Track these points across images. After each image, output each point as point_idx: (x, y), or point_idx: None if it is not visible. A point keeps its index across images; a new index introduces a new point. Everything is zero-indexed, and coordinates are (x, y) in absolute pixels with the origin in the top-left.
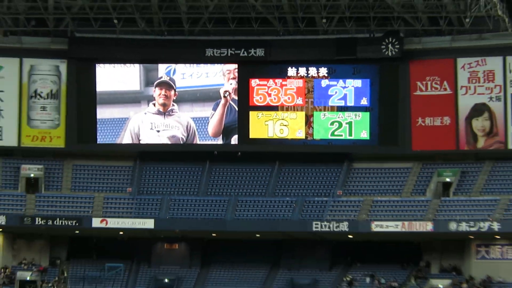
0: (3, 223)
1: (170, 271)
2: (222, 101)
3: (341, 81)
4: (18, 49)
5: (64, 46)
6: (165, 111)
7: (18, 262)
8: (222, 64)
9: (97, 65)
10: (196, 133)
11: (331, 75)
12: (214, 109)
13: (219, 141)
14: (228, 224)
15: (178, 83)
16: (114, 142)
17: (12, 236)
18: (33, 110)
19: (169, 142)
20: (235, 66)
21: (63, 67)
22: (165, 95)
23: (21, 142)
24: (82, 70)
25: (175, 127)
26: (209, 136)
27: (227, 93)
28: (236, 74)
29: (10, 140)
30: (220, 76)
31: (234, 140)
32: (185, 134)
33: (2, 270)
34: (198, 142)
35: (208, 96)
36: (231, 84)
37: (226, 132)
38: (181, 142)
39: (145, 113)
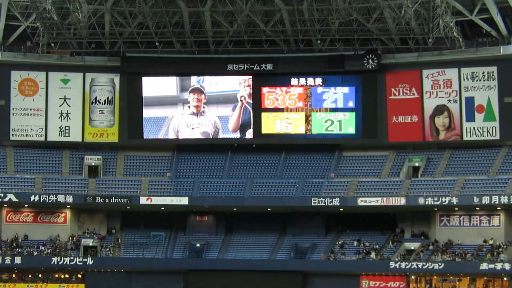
0: (71, 201)
1: (201, 237)
2: (239, 103)
3: (332, 88)
4: (82, 66)
5: (117, 63)
6: (198, 112)
7: (82, 232)
8: (239, 76)
9: (143, 77)
10: (221, 128)
11: (325, 83)
12: (233, 110)
13: (237, 134)
14: (246, 200)
15: (206, 89)
16: (156, 136)
17: (78, 211)
18: (93, 113)
19: (201, 137)
20: (250, 77)
21: (116, 79)
22: (197, 98)
23: (85, 138)
24: (132, 81)
25: (205, 125)
26: (230, 131)
27: (243, 97)
28: (250, 83)
29: (76, 136)
30: (237, 84)
31: (249, 134)
32: (213, 130)
33: (70, 238)
34: (221, 136)
35: (229, 99)
36: (245, 90)
37: (242, 128)
38: (211, 137)
39: (182, 114)
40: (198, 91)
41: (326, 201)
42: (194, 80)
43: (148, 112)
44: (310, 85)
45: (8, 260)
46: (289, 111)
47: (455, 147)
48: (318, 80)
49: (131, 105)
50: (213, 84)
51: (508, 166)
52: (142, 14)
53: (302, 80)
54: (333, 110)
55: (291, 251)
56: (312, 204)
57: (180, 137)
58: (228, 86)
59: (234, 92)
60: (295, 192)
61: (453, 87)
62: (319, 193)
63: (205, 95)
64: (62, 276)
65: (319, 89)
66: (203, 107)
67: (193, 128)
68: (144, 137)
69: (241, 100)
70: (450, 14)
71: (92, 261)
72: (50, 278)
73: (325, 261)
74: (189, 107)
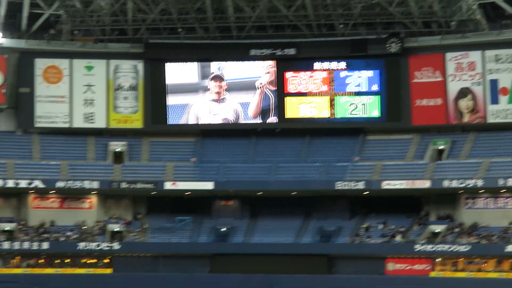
0: (96, 187)
1: (226, 222)
2: (259, 90)
3: (356, 72)
4: (105, 53)
5: (140, 50)
6: (219, 99)
7: (108, 217)
8: (261, 61)
9: (166, 64)
10: (241, 114)
11: (348, 67)
12: (253, 96)
13: (258, 120)
14: (271, 184)
15: (226, 76)
16: (179, 122)
17: (104, 197)
18: (117, 100)
19: (222, 122)
20: (270, 63)
21: (140, 66)
22: (219, 85)
23: (109, 124)
24: (155, 68)
25: (226, 112)
26: (249, 117)
27: (262, 84)
28: (270, 70)
29: (100, 123)
30: (257, 70)
31: (271, 119)
32: (234, 116)
33: (97, 223)
34: (243, 122)
35: (250, 86)
36: (266, 77)
37: (262, 114)
38: (231, 122)
39: (203, 101)
40: (219, 78)
41: (350, 184)
42: (214, 67)
43: (171, 99)
44: (334, 69)
45: (35, 246)
46: (313, 95)
47: (479, 129)
48: (342, 64)
49: (154, 91)
50: (234, 71)
51: None
52: (165, 1)
53: (326, 64)
54: (357, 94)
55: (316, 234)
56: (337, 187)
57: (202, 122)
58: (248, 73)
59: (254, 78)
60: (319, 176)
61: (477, 69)
62: (344, 176)
63: (226, 82)
64: (89, 261)
65: (343, 73)
66: (224, 93)
67: (214, 115)
68: (169, 123)
69: (260, 87)
70: None
71: (119, 246)
72: (77, 263)
73: (350, 244)
74: (210, 93)
